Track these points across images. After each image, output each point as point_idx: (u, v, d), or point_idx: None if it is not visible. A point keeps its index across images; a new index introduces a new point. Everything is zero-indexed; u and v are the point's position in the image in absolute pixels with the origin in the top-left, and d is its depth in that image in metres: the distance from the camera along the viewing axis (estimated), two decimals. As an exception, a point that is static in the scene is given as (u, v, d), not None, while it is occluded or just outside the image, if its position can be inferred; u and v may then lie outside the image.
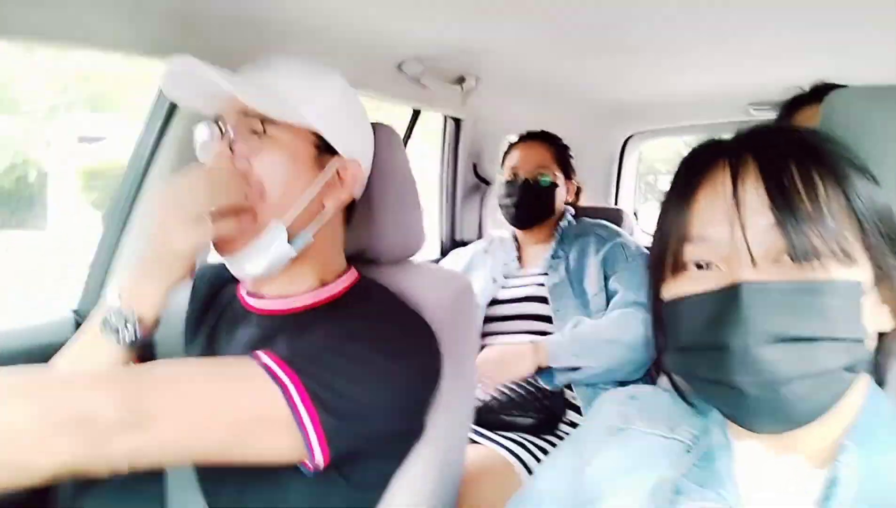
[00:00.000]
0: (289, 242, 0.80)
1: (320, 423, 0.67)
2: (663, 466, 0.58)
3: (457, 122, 2.04)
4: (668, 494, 0.55)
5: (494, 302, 1.68)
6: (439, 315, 0.89)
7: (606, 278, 1.60)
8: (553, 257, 1.69)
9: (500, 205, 1.78)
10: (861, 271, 0.50)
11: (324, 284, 0.87)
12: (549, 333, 1.57)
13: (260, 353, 0.70)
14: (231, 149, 0.80)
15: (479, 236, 2.17)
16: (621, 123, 2.48)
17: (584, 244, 1.68)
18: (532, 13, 1.28)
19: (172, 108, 1.17)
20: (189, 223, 0.72)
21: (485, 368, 1.44)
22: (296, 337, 0.78)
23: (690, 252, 0.54)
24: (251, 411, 0.65)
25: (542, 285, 1.65)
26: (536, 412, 1.43)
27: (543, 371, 1.46)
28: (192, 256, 0.75)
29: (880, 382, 0.56)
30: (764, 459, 0.54)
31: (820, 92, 1.27)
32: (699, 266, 0.53)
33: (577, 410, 1.47)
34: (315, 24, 1.19)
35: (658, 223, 0.58)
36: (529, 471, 1.29)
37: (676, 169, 0.58)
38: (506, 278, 1.73)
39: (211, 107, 0.85)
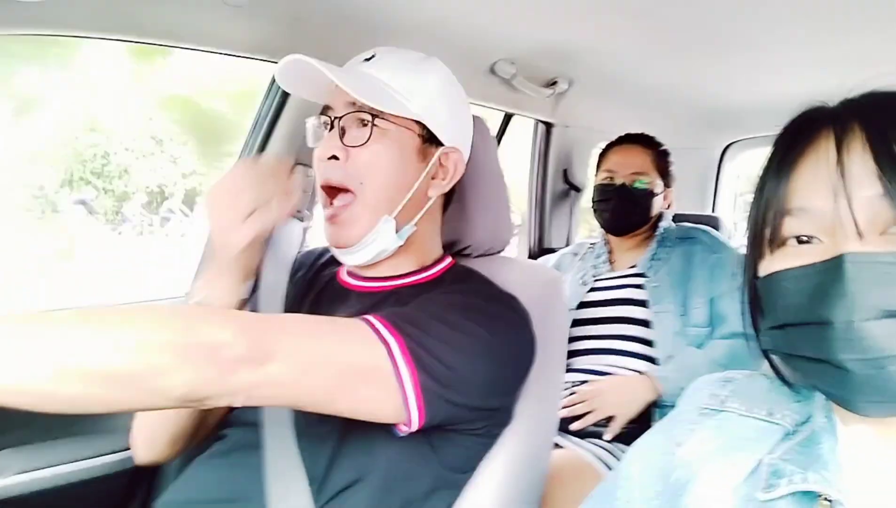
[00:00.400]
0: (396, 232, 0.85)
1: (419, 384, 0.69)
2: (760, 449, 0.55)
3: (547, 126, 2.03)
4: (765, 477, 0.52)
5: (584, 305, 1.63)
6: (527, 307, 0.89)
7: (711, 296, 1.52)
8: (653, 258, 1.63)
9: (594, 209, 1.72)
10: None
11: (422, 268, 0.91)
12: (646, 341, 1.51)
13: (369, 316, 0.73)
14: (341, 139, 0.84)
15: (568, 244, 2.14)
16: (720, 130, 2.38)
17: (689, 250, 1.60)
18: (626, 13, 1.26)
19: (283, 101, 1.24)
20: (237, 221, 0.80)
21: (597, 400, 1.39)
22: (397, 306, 0.81)
23: (790, 225, 0.51)
24: (356, 363, 0.68)
25: (640, 286, 1.59)
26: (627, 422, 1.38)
27: None
28: (248, 248, 0.82)
29: None
30: (873, 444, 0.51)
31: None
32: (800, 241, 0.51)
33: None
34: (410, 23, 1.23)
35: (756, 195, 0.55)
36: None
37: (777, 137, 0.56)
38: (595, 279, 1.69)
39: (320, 97, 0.90)
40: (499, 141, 1.96)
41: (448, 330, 0.74)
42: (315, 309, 0.93)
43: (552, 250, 2.02)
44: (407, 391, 0.69)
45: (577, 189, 2.14)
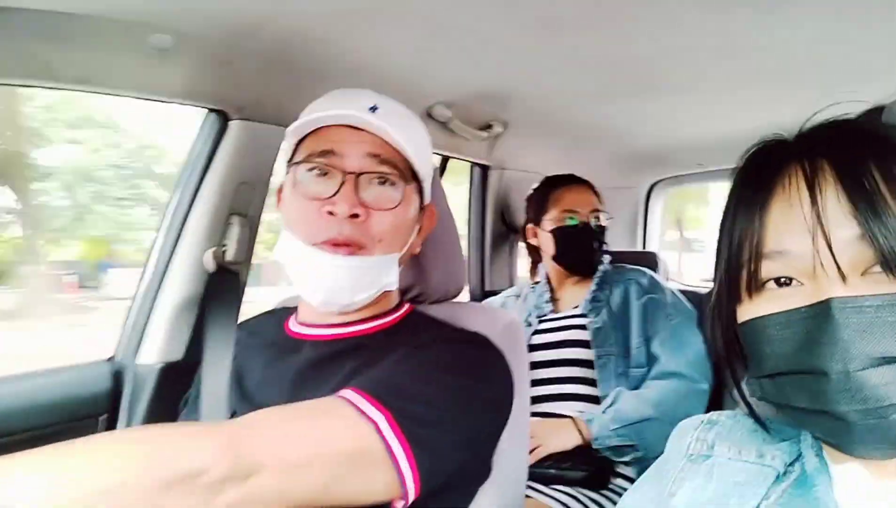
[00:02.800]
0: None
1: (413, 457, 0.66)
2: (756, 494, 0.53)
3: (483, 169, 2.04)
4: None
5: (530, 348, 1.62)
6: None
7: (647, 336, 1.55)
8: (594, 300, 1.64)
9: (556, 254, 1.69)
10: None
11: (381, 314, 0.87)
12: (591, 380, 1.52)
13: (345, 392, 0.68)
14: (357, 195, 0.78)
15: (511, 285, 2.13)
16: (647, 168, 2.47)
17: (625, 291, 1.63)
18: (558, 54, 1.29)
19: (214, 147, 1.17)
20: None
21: (536, 439, 1.39)
22: (361, 360, 0.77)
23: (768, 269, 0.49)
24: (345, 450, 0.64)
25: (582, 327, 1.60)
26: (587, 465, 1.37)
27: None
28: None
29: None
30: (869, 485, 0.49)
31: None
32: (779, 283, 0.49)
33: (629, 464, 1.39)
34: (345, 68, 1.20)
35: (724, 236, 0.53)
36: (582, 524, 1.21)
37: (740, 171, 0.54)
38: (540, 320, 1.68)
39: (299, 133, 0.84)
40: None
41: (433, 388, 0.71)
42: (267, 370, 0.85)
43: (494, 293, 2.00)
44: (402, 466, 0.65)
45: (516, 230, 2.15)
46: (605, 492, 1.34)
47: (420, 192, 0.87)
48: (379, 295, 0.85)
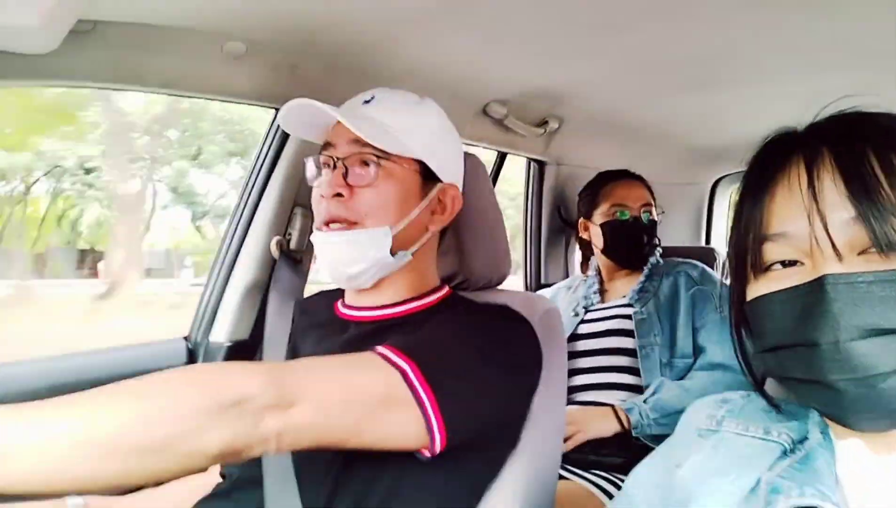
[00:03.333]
0: (392, 255, 0.87)
1: (439, 405, 0.70)
2: (759, 468, 0.55)
3: (540, 165, 2.08)
4: (763, 495, 0.52)
5: (576, 337, 1.65)
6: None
7: (695, 327, 1.55)
8: (641, 290, 1.65)
9: (605, 247, 1.72)
10: None
11: (419, 296, 0.93)
12: (635, 370, 1.53)
13: (378, 346, 0.74)
14: (345, 178, 0.87)
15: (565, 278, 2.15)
16: (709, 165, 2.43)
17: (674, 282, 1.63)
18: (613, 54, 1.31)
19: (282, 144, 1.27)
20: None
21: (568, 427, 1.41)
22: (399, 335, 0.83)
23: (771, 250, 0.53)
24: (375, 393, 0.69)
25: (628, 317, 1.61)
26: (626, 453, 1.39)
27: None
28: None
29: None
30: (869, 459, 0.51)
31: None
32: (784, 264, 0.52)
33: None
34: (403, 68, 1.27)
35: (734, 222, 0.57)
36: None
37: (749, 164, 0.58)
38: (587, 311, 1.70)
39: (319, 137, 0.94)
40: (494, 180, 1.99)
41: (460, 346, 0.77)
42: (317, 347, 0.94)
43: (549, 285, 2.03)
44: (429, 413, 0.70)
45: (572, 225, 2.17)
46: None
47: (421, 172, 0.91)
48: (408, 277, 0.91)
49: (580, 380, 1.58)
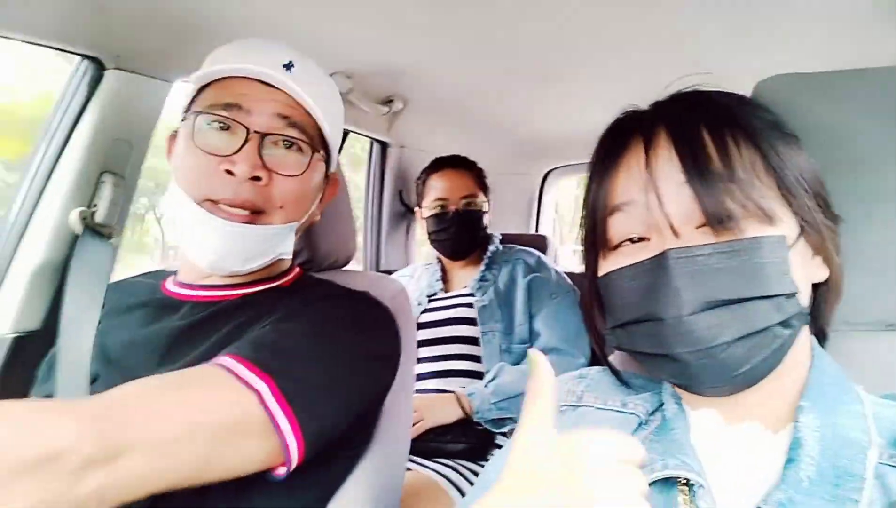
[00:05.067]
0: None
1: (298, 423, 0.63)
2: None
3: (383, 146, 2.02)
4: None
5: (419, 326, 1.64)
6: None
7: (531, 313, 1.60)
8: (482, 279, 1.68)
9: (430, 239, 1.73)
10: (785, 227, 0.50)
11: (270, 278, 0.84)
12: (476, 357, 1.55)
13: (224, 359, 0.64)
14: (260, 155, 0.74)
15: (406, 266, 2.13)
16: (540, 158, 2.55)
17: (512, 270, 1.68)
18: (455, 35, 1.30)
19: (85, 102, 1.07)
20: None
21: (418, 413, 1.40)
22: (241, 320, 0.73)
23: (613, 225, 0.54)
24: (226, 421, 0.60)
25: (470, 306, 1.63)
26: (468, 438, 1.40)
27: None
28: None
29: (820, 335, 0.57)
30: (721, 427, 0.53)
31: None
32: (633, 241, 0.53)
33: (507, 434, 1.44)
34: (236, 24, 1.14)
35: (584, 203, 0.58)
36: (462, 493, 1.24)
37: (596, 146, 0.59)
38: (430, 300, 1.70)
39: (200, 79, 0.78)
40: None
41: (319, 346, 0.68)
42: (140, 331, 0.79)
43: (389, 273, 1.99)
44: (285, 434, 0.62)
45: (413, 210, 2.15)
46: (483, 463, 1.38)
47: (327, 160, 0.84)
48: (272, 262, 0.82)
49: (422, 368, 1.57)
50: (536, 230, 2.61)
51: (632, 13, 1.17)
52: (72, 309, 0.90)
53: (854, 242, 0.57)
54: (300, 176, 0.76)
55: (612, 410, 0.59)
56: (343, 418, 0.70)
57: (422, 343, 1.61)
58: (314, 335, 0.70)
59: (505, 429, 1.42)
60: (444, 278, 1.77)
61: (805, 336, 0.54)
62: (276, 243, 0.77)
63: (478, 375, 1.55)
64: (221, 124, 0.74)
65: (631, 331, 0.53)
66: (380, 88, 1.65)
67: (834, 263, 0.54)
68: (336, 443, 0.71)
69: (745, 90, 0.62)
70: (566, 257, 2.45)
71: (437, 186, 1.71)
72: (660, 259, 0.49)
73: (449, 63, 1.49)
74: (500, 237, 1.82)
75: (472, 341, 1.59)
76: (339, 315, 0.75)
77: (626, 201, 0.53)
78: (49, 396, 0.79)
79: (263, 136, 0.74)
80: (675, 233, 0.50)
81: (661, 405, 0.58)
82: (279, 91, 0.75)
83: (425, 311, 1.68)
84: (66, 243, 1.08)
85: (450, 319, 1.64)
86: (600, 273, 0.55)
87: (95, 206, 1.09)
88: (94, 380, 0.76)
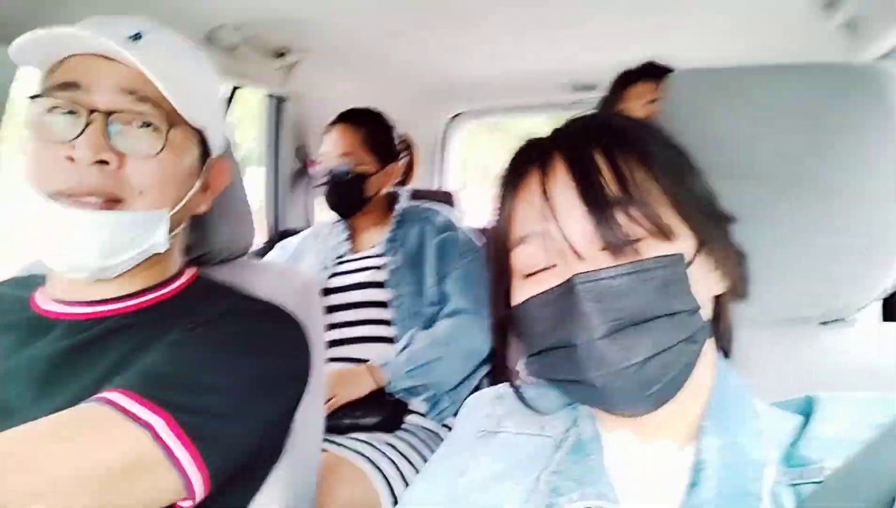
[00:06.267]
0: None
1: (201, 457, 0.60)
2: (536, 467, 0.56)
3: (279, 100, 1.89)
4: (545, 496, 0.53)
5: (328, 291, 1.58)
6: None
7: (441, 275, 1.58)
8: (391, 239, 1.63)
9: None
10: (683, 243, 0.51)
11: (159, 285, 0.76)
12: (387, 321, 1.53)
13: (112, 394, 0.59)
14: (106, 139, 0.65)
15: (308, 225, 2.04)
16: (447, 102, 2.49)
17: (422, 230, 1.64)
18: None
19: None
20: None
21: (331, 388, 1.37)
22: (129, 345, 0.67)
23: (518, 256, 0.54)
24: (119, 463, 0.56)
25: (379, 268, 1.59)
26: (380, 410, 1.39)
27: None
28: None
29: (725, 349, 0.59)
30: (634, 447, 0.54)
31: (649, 70, 1.36)
32: (543, 269, 0.52)
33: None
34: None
35: (490, 231, 0.57)
36: (378, 469, 1.24)
37: (500, 173, 0.58)
38: (337, 262, 1.64)
39: (42, 61, 0.69)
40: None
41: (222, 372, 0.64)
42: (10, 360, 0.69)
43: (291, 233, 1.90)
44: (187, 469, 0.59)
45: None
46: (398, 433, 1.38)
47: (201, 141, 0.75)
48: (151, 260, 0.73)
49: (334, 335, 1.52)
50: (441, 184, 2.57)
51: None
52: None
53: (755, 240, 0.59)
54: (157, 156, 0.68)
55: (531, 434, 0.59)
56: (249, 444, 0.67)
57: (332, 309, 1.55)
58: (214, 360, 0.65)
59: (419, 397, 1.43)
60: (351, 238, 1.71)
61: (710, 351, 0.55)
62: (141, 234, 0.68)
63: (388, 340, 1.52)
64: (63, 109, 0.67)
65: (545, 359, 0.52)
66: (273, 40, 1.52)
67: (733, 275, 0.56)
68: (243, 468, 0.67)
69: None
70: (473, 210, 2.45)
71: (324, 143, 1.65)
72: (567, 285, 0.49)
73: (348, 10, 1.39)
74: (411, 194, 1.77)
75: (382, 305, 1.55)
76: (242, 337, 0.69)
77: (527, 233, 0.53)
78: None
79: (108, 115, 0.66)
80: (579, 256, 0.50)
81: (576, 421, 0.59)
82: (123, 65, 0.67)
83: (333, 275, 1.62)
84: None
85: (359, 283, 1.59)
86: (513, 302, 0.55)
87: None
88: None
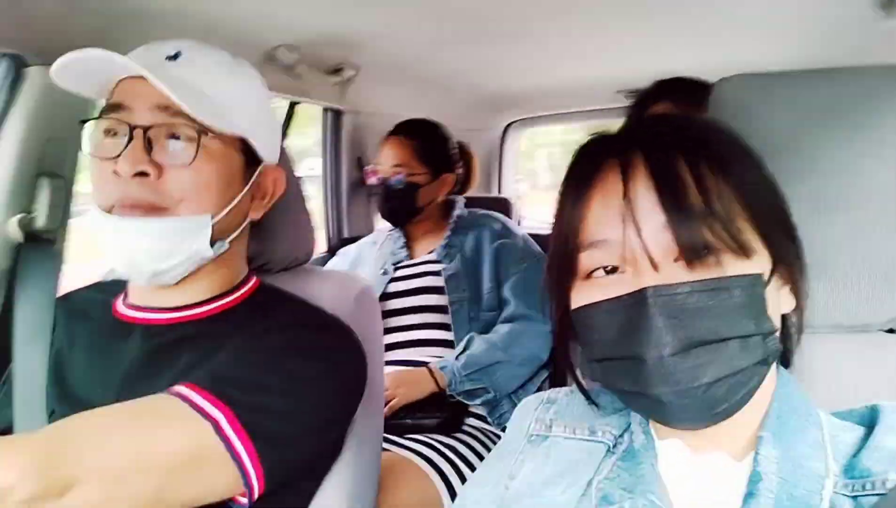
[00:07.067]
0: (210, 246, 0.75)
1: (257, 453, 0.63)
2: (587, 472, 0.56)
3: (337, 114, 1.95)
4: (595, 502, 0.53)
5: (387, 296, 1.62)
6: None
7: (499, 281, 1.60)
8: (447, 245, 1.66)
9: None
10: (760, 260, 0.49)
11: (223, 293, 0.81)
12: (446, 326, 1.55)
13: (180, 388, 0.63)
14: (148, 153, 0.70)
15: (370, 232, 2.09)
16: (501, 111, 2.51)
17: (478, 237, 1.66)
18: (408, 1, 1.24)
19: (8, 98, 0.99)
20: None
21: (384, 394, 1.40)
22: (199, 351, 0.72)
23: (589, 257, 0.52)
24: (180, 451, 0.61)
25: (437, 274, 1.62)
26: (441, 411, 1.41)
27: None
28: None
29: (786, 361, 0.58)
30: (688, 457, 0.53)
31: (665, 88, 1.34)
32: (607, 271, 0.51)
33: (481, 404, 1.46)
34: (168, 10, 1.06)
35: (554, 227, 0.55)
36: (438, 470, 1.26)
37: (568, 168, 0.56)
38: (396, 268, 1.68)
39: (100, 91, 0.75)
40: (285, 132, 1.83)
41: (280, 377, 0.68)
42: (94, 362, 0.77)
43: (351, 240, 1.96)
44: (245, 464, 0.62)
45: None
46: (458, 435, 1.39)
47: (244, 150, 0.78)
48: (214, 268, 0.78)
49: (392, 338, 1.56)
50: (500, 190, 2.59)
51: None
52: (23, 325, 0.87)
53: (815, 247, 0.57)
54: (192, 165, 0.72)
55: (581, 439, 0.59)
56: (307, 445, 0.70)
57: (391, 313, 1.59)
58: (274, 365, 0.69)
59: (478, 401, 1.44)
60: (408, 245, 1.74)
61: (773, 366, 0.54)
62: (185, 239, 0.73)
63: (448, 344, 1.55)
64: (111, 129, 0.73)
65: (608, 367, 0.52)
66: (330, 58, 1.58)
67: (802, 294, 0.54)
68: (301, 468, 0.71)
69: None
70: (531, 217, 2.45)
71: (380, 154, 1.71)
72: (639, 296, 0.47)
73: (400, 28, 1.43)
74: (465, 201, 1.80)
75: (441, 309, 1.58)
76: (301, 345, 0.73)
77: (604, 236, 0.51)
78: (7, 427, 0.77)
79: (147, 130, 0.71)
80: (655, 266, 0.48)
81: (629, 426, 0.58)
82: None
83: (392, 280, 1.66)
84: (6, 253, 1.02)
85: (418, 288, 1.63)
86: (573, 304, 0.53)
87: (35, 211, 1.04)
88: (50, 414, 0.74)
